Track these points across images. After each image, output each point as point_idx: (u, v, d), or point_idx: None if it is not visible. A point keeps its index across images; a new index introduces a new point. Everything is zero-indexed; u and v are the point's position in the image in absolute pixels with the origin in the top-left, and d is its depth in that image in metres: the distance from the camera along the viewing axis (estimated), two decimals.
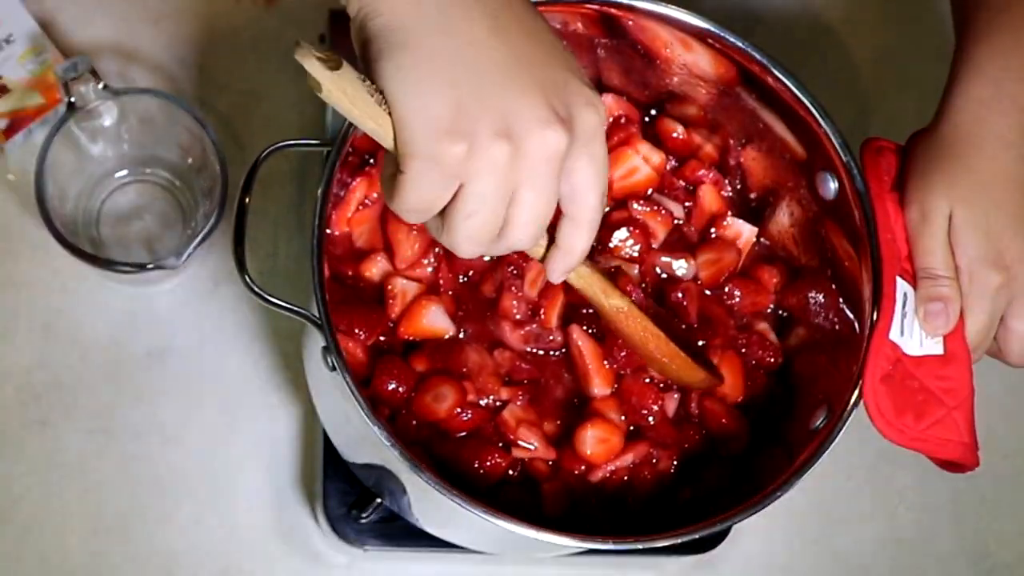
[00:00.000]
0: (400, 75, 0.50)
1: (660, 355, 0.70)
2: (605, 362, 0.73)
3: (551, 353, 0.74)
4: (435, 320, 0.73)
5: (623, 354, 0.72)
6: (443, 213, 0.53)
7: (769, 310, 0.78)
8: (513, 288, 0.74)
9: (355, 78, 0.51)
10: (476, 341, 0.74)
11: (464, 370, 0.72)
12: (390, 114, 0.51)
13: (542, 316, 0.74)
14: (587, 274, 0.67)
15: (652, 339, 0.69)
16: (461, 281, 0.75)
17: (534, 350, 0.74)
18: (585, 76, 0.54)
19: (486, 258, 0.74)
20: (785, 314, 0.78)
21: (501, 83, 0.51)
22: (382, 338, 0.73)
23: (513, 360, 0.73)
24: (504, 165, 0.51)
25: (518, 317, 0.74)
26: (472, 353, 0.73)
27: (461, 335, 0.74)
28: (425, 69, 0.50)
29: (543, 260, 0.59)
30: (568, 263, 0.59)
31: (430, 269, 0.74)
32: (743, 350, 0.76)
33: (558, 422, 0.73)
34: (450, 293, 0.74)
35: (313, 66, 0.50)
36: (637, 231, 0.76)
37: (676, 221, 0.78)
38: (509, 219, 0.53)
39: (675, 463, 0.74)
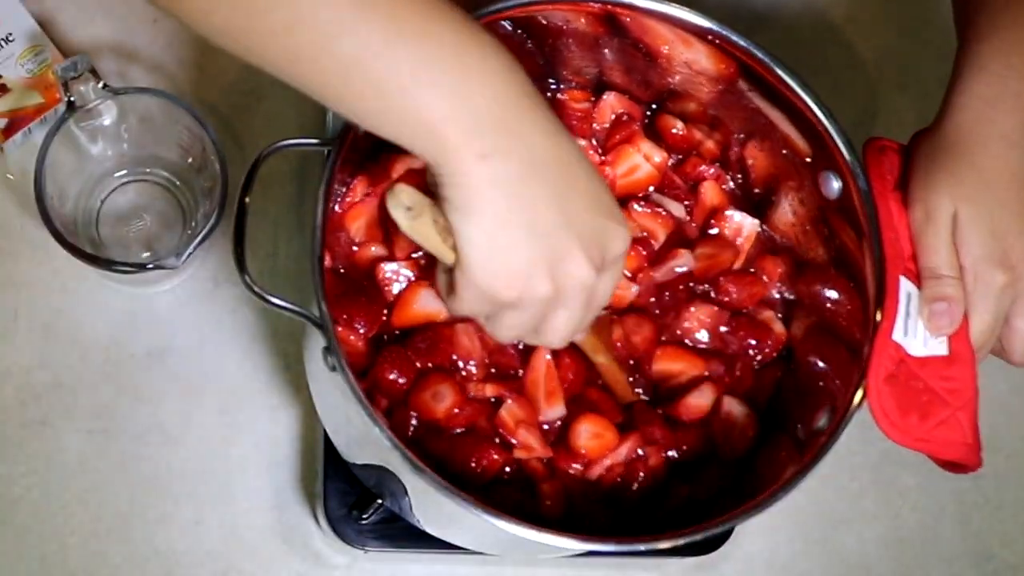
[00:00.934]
0: (473, 239, 0.57)
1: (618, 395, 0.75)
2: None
3: (520, 345, 0.75)
4: (426, 304, 0.73)
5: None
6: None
7: (776, 295, 0.78)
8: None
9: (430, 222, 0.58)
10: (467, 328, 0.74)
11: (455, 356, 0.72)
12: (453, 248, 0.58)
13: None
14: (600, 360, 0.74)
15: (622, 390, 0.75)
16: None
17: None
18: (617, 208, 0.61)
19: None
20: (791, 298, 0.78)
21: (556, 242, 0.58)
22: (385, 336, 0.73)
23: (501, 345, 0.74)
24: (545, 301, 0.59)
25: None
26: (463, 338, 0.73)
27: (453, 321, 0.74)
28: (493, 231, 0.57)
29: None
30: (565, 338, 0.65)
31: (423, 262, 0.75)
32: (734, 344, 0.76)
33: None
34: None
35: (399, 215, 0.58)
36: (633, 250, 0.76)
37: (677, 222, 0.78)
38: (543, 330, 0.61)
39: (672, 462, 0.74)
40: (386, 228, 0.74)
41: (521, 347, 0.75)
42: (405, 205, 0.58)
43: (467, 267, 0.58)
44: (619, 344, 0.75)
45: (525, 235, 0.57)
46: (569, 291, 0.59)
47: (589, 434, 0.72)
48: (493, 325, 0.61)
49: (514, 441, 0.72)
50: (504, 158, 0.55)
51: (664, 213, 0.77)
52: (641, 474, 0.73)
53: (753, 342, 0.76)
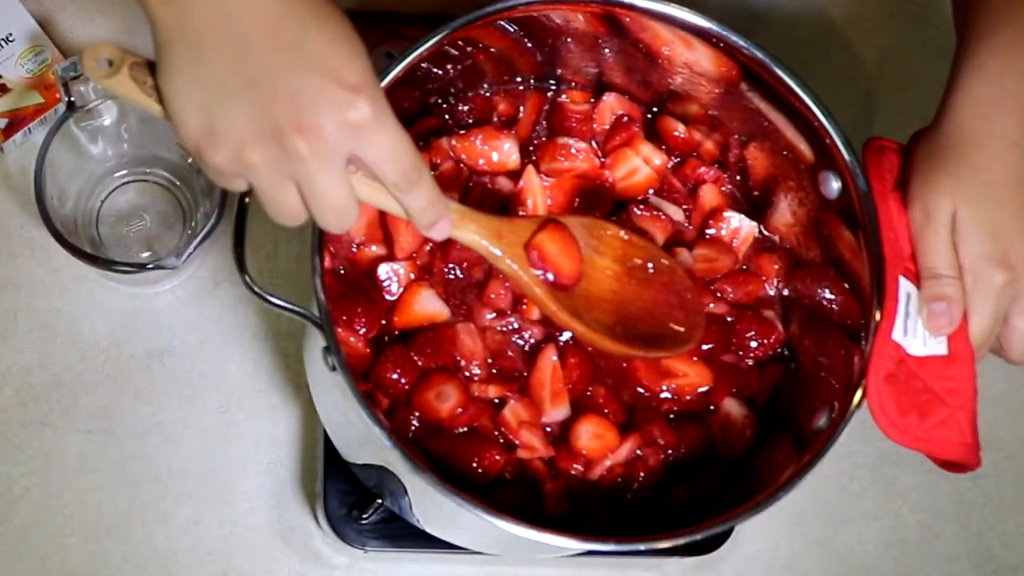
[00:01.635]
0: (163, 86, 0.56)
1: (561, 325, 0.70)
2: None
3: (525, 347, 0.75)
4: (428, 304, 0.73)
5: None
6: None
7: (772, 293, 0.78)
8: (500, 275, 0.73)
9: (128, 79, 0.57)
10: (468, 328, 0.74)
11: (457, 356, 0.72)
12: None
13: (524, 306, 0.74)
14: (469, 238, 0.66)
15: (541, 306, 0.69)
16: (455, 276, 0.75)
17: (513, 340, 0.75)
18: (349, 70, 0.57)
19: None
20: (788, 294, 0.78)
21: (246, 92, 0.55)
22: (385, 338, 0.73)
23: (503, 344, 0.74)
24: (266, 164, 0.56)
25: (501, 306, 0.74)
26: (466, 337, 0.73)
27: (455, 321, 0.74)
28: (177, 81, 0.56)
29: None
30: (423, 225, 0.61)
31: (423, 262, 0.75)
32: (734, 339, 0.76)
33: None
34: (442, 280, 0.75)
35: (92, 69, 0.57)
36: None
37: (676, 226, 0.78)
38: (309, 203, 0.58)
39: (672, 462, 0.74)
40: (386, 228, 0.74)
41: (527, 348, 0.75)
42: (105, 58, 0.57)
43: (172, 124, 0.56)
44: (535, 254, 0.67)
45: (211, 90, 0.55)
46: (289, 151, 0.55)
47: (590, 435, 0.72)
48: (262, 201, 0.59)
49: (517, 441, 0.72)
50: (190, 4, 0.54)
51: (663, 217, 0.77)
52: (641, 474, 0.73)
53: (753, 334, 0.76)
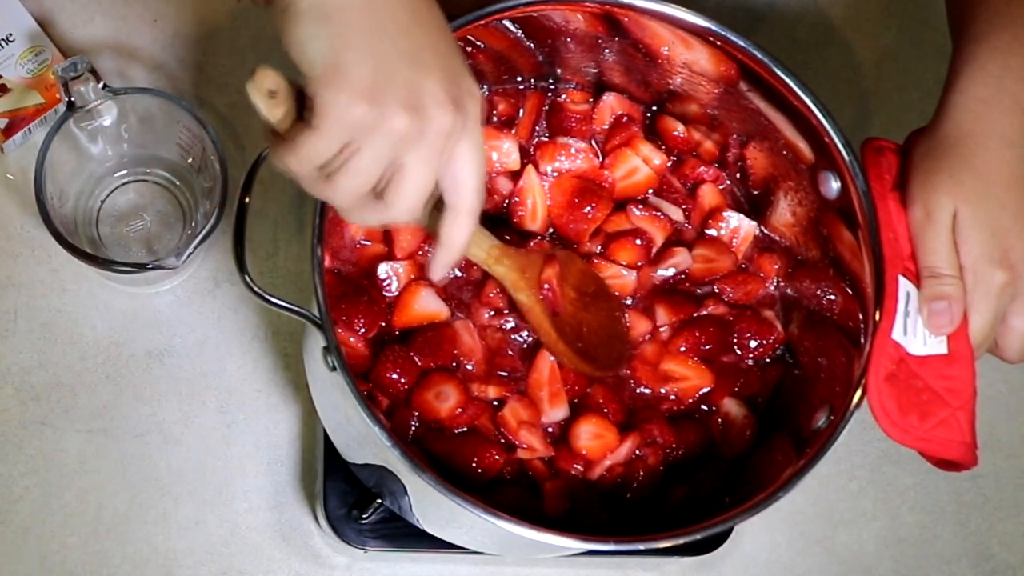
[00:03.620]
0: (324, 42, 0.55)
1: (552, 349, 0.73)
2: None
3: (524, 345, 0.75)
4: (427, 304, 0.73)
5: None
6: (325, 167, 0.57)
7: (773, 291, 0.78)
8: None
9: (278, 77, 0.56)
10: (467, 325, 0.74)
11: (457, 354, 0.72)
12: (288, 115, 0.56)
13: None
14: (503, 272, 0.71)
15: (543, 334, 0.73)
16: (453, 274, 0.75)
17: (512, 338, 0.75)
18: (471, 73, 0.59)
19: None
20: (789, 292, 0.78)
21: (412, 61, 0.56)
22: (385, 338, 0.73)
23: (502, 343, 0.74)
24: (401, 134, 0.56)
25: (499, 305, 0.74)
26: (465, 336, 0.73)
27: (454, 320, 0.74)
28: (349, 36, 0.55)
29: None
30: (449, 257, 0.62)
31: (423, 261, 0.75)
32: (735, 337, 0.76)
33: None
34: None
35: (259, 101, 0.56)
36: (639, 243, 0.76)
37: (675, 225, 0.78)
38: (394, 186, 0.57)
39: (672, 461, 0.74)
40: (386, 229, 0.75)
41: (525, 346, 0.75)
42: (268, 89, 0.56)
43: (323, 77, 0.54)
44: (547, 287, 0.73)
45: (381, 45, 0.55)
46: (426, 127, 0.56)
47: (590, 435, 0.72)
48: (335, 178, 0.57)
49: (517, 442, 0.72)
50: None
51: (662, 217, 0.77)
52: (641, 474, 0.73)
53: (752, 334, 0.76)
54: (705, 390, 0.75)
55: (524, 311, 0.73)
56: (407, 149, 0.56)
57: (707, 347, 0.75)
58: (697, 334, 0.75)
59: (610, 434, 0.73)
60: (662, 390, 0.75)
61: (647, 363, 0.75)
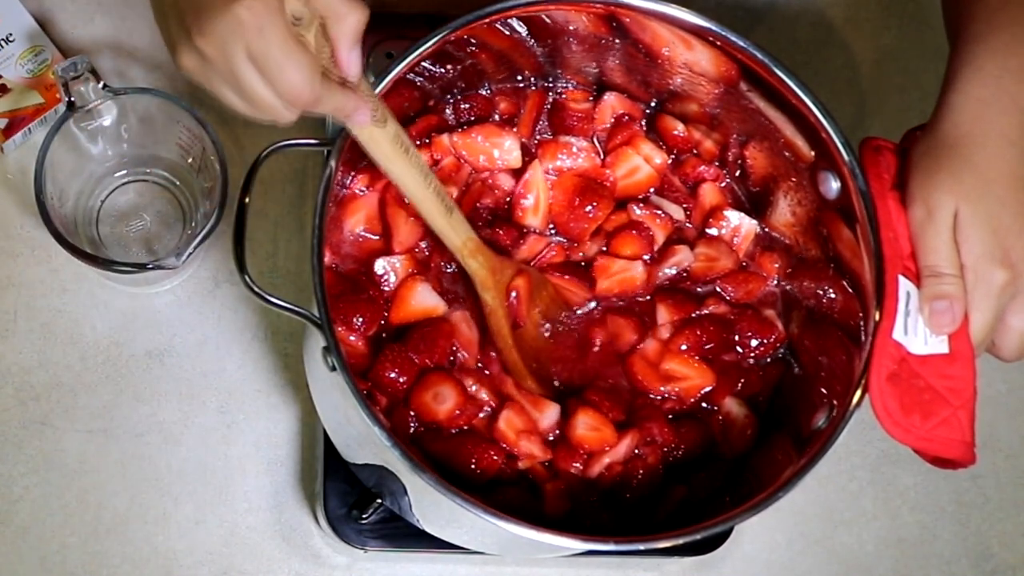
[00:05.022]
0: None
1: (503, 357, 0.74)
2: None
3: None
4: (424, 299, 0.73)
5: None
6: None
7: (774, 289, 0.78)
8: None
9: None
10: (465, 316, 0.74)
11: (455, 346, 0.73)
12: None
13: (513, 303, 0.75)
14: (475, 266, 0.72)
15: (500, 339, 0.74)
16: (451, 270, 0.75)
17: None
18: None
19: None
20: (790, 289, 0.78)
21: None
22: (384, 335, 0.73)
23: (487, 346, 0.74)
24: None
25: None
26: (462, 326, 0.73)
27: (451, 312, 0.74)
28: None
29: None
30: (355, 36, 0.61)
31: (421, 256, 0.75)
32: (736, 336, 0.76)
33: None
34: (440, 273, 0.75)
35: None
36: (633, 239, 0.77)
37: (676, 224, 0.78)
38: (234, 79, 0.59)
39: (672, 461, 0.74)
40: (385, 221, 0.75)
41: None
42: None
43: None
44: (514, 295, 0.74)
45: None
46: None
47: (587, 427, 0.72)
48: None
49: (516, 451, 0.72)
50: None
51: (663, 215, 0.77)
52: (640, 473, 0.73)
53: (752, 333, 0.76)
54: (707, 389, 0.75)
55: (487, 312, 0.74)
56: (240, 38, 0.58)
57: (709, 346, 0.75)
58: (699, 333, 0.75)
59: (607, 428, 0.72)
60: (663, 389, 0.75)
61: (648, 363, 0.75)
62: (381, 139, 0.65)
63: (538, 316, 0.75)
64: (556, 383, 0.75)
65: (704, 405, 0.76)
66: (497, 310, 0.73)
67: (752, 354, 0.76)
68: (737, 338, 0.76)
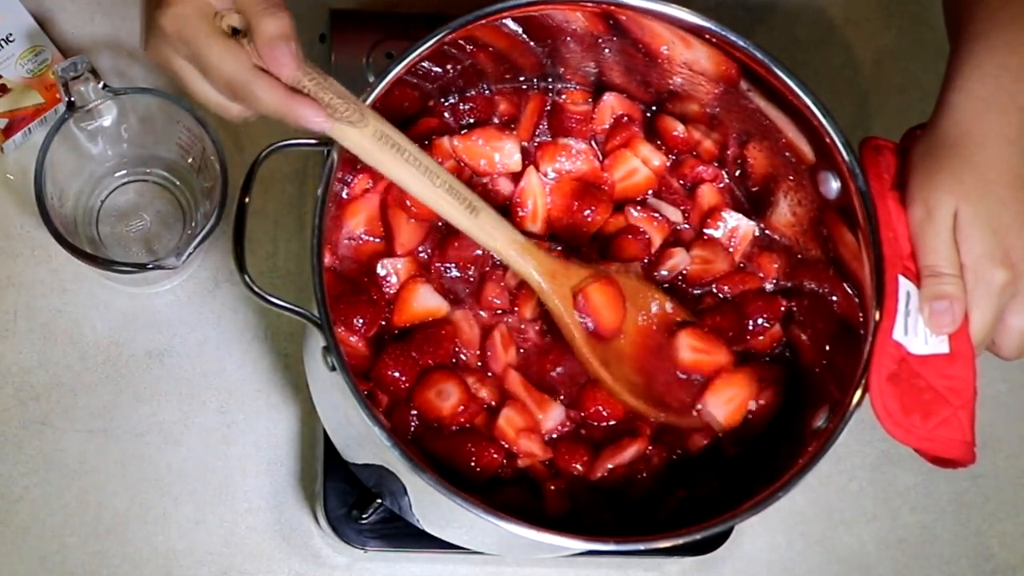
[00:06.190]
0: None
1: (588, 371, 0.72)
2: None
3: (520, 350, 0.75)
4: (427, 300, 0.73)
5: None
6: None
7: (772, 289, 0.78)
8: (495, 277, 0.74)
9: None
10: (467, 316, 0.74)
11: (457, 347, 0.72)
12: None
13: (516, 309, 0.74)
14: (527, 271, 0.69)
15: (577, 353, 0.71)
16: (452, 275, 0.75)
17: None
18: None
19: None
20: (789, 287, 0.78)
21: None
22: (385, 337, 0.73)
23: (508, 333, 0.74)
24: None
25: (497, 302, 0.74)
26: (464, 325, 0.73)
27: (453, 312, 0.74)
28: None
29: None
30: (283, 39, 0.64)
31: (424, 256, 0.75)
32: (746, 321, 0.76)
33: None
34: (440, 276, 0.75)
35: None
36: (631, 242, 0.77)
37: (673, 226, 0.78)
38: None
39: (673, 462, 0.74)
40: (386, 223, 0.75)
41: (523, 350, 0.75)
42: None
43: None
44: (581, 300, 0.70)
45: None
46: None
47: (600, 400, 0.73)
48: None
49: (516, 450, 0.72)
50: None
51: (660, 218, 0.77)
52: (643, 474, 0.73)
53: (758, 310, 0.76)
54: (725, 361, 0.74)
55: (555, 320, 0.71)
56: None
57: (728, 334, 0.75)
58: (717, 319, 0.75)
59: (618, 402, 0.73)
60: (683, 376, 0.74)
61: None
62: (357, 138, 0.65)
63: (646, 324, 0.72)
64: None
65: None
66: (564, 319, 0.70)
67: (762, 334, 0.76)
68: (749, 321, 0.76)
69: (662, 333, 0.73)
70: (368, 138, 0.65)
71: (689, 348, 0.73)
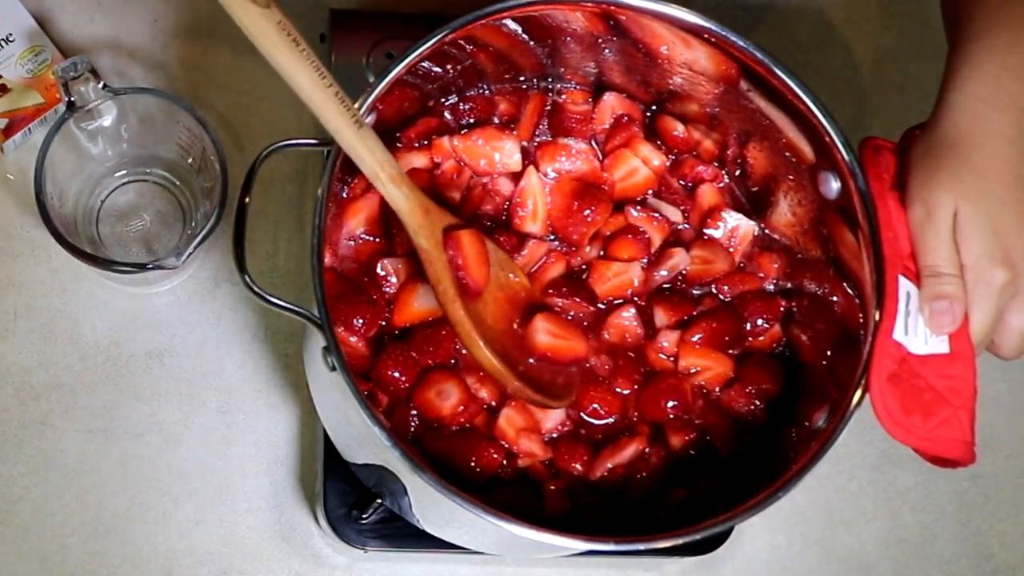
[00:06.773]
0: None
1: (458, 337, 0.68)
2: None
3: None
4: (426, 301, 0.73)
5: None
6: None
7: (771, 289, 0.78)
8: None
9: None
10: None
11: (457, 346, 0.72)
12: None
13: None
14: (399, 198, 0.66)
15: (449, 309, 0.67)
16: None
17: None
18: None
19: None
20: (788, 287, 0.78)
21: None
22: (385, 337, 0.73)
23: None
24: None
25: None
26: None
27: None
28: None
29: None
30: None
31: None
32: (745, 323, 0.76)
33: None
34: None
35: None
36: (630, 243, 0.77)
37: (673, 227, 0.78)
38: None
39: (672, 462, 0.74)
40: (386, 223, 0.75)
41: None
42: None
43: None
44: (451, 252, 0.66)
45: None
46: None
47: (597, 398, 0.73)
48: None
49: (516, 449, 0.72)
50: None
51: (660, 217, 0.77)
52: (643, 474, 0.73)
53: (757, 311, 0.76)
54: (730, 376, 0.75)
55: (423, 261, 0.67)
56: None
57: (725, 338, 0.75)
58: (715, 325, 0.75)
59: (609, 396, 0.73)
60: (692, 382, 0.75)
61: (666, 367, 0.75)
62: (261, 20, 0.60)
63: (506, 295, 0.70)
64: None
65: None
66: (436, 260, 0.66)
67: (762, 334, 0.76)
68: (748, 322, 0.76)
69: (519, 311, 0.72)
70: (272, 24, 0.60)
71: (545, 332, 0.71)
